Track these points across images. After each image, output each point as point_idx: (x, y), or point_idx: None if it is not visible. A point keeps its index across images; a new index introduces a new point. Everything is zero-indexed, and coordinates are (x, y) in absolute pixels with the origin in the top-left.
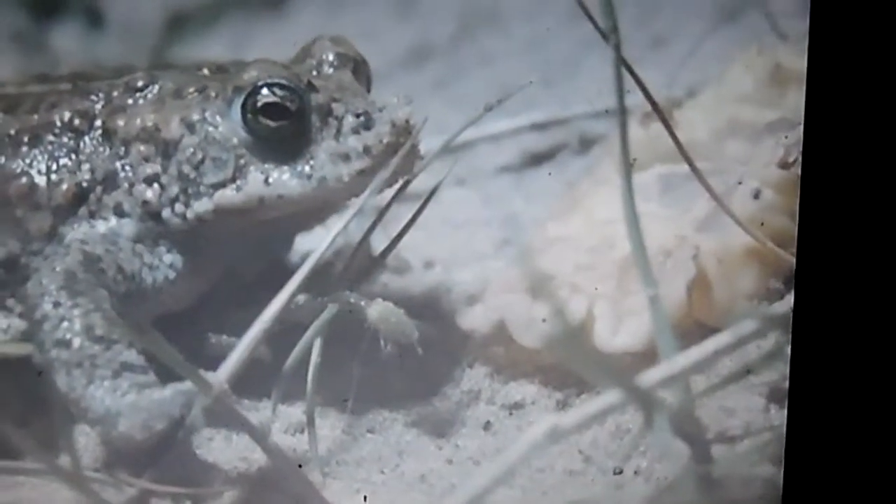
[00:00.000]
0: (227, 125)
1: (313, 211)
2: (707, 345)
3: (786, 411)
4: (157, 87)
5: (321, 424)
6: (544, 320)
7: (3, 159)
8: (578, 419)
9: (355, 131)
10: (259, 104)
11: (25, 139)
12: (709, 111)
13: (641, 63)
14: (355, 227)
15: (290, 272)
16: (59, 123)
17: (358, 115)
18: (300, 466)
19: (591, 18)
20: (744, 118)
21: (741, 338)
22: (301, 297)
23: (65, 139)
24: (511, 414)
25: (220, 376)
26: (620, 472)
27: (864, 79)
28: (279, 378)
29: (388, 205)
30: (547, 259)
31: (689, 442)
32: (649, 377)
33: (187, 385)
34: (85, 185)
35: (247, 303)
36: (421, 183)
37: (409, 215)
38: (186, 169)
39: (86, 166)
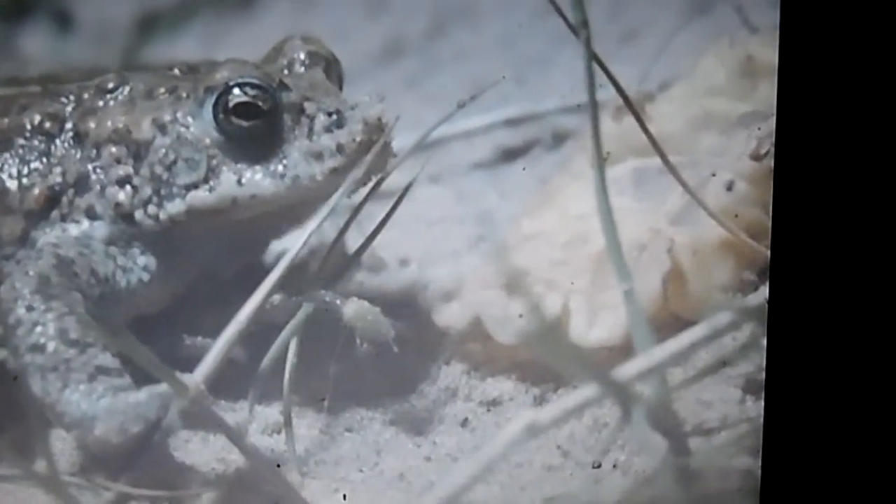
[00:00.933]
0: (199, 125)
1: (287, 211)
2: (683, 337)
3: (762, 402)
4: (127, 88)
5: (298, 424)
6: (520, 316)
7: None
8: (555, 414)
9: (328, 130)
10: (231, 104)
11: None
12: (681, 104)
13: (613, 57)
14: (329, 225)
15: (264, 273)
16: (29, 126)
17: (330, 114)
18: (278, 466)
19: (561, 13)
20: (716, 111)
21: (717, 330)
22: (276, 297)
23: (35, 142)
24: (489, 410)
25: (195, 378)
26: (599, 466)
27: (836, 70)
28: (255, 379)
29: (362, 203)
30: (522, 255)
31: (667, 435)
32: (626, 371)
33: (163, 387)
34: (57, 188)
35: (222, 304)
36: (394, 181)
37: (383, 213)
38: (158, 170)
39: (57, 169)
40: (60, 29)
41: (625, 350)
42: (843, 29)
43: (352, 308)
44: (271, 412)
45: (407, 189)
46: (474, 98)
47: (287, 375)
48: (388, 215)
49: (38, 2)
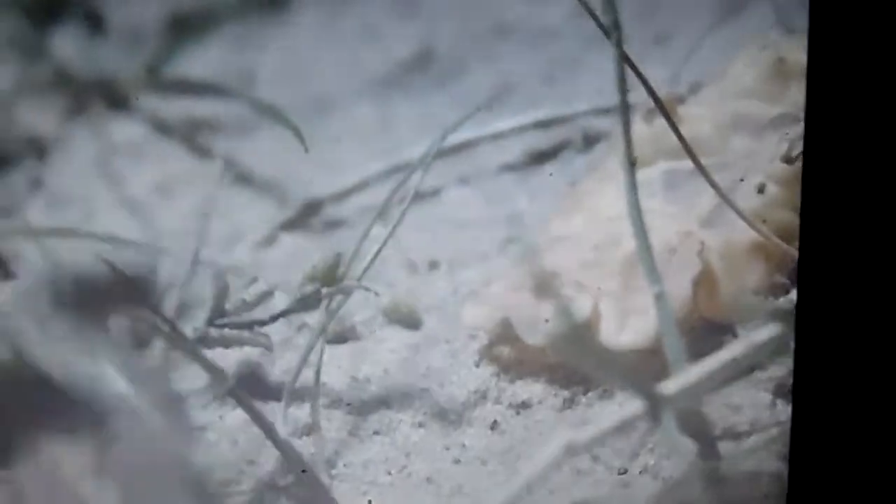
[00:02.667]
0: None
1: None
2: (722, 354)
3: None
4: None
5: (327, 427)
6: (546, 321)
7: None
8: (594, 434)
9: None
10: None
11: None
12: (712, 107)
13: (644, 59)
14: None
15: None
16: None
17: None
18: (303, 472)
19: (593, 15)
20: (747, 113)
21: (757, 346)
22: (308, 287)
23: None
24: (518, 413)
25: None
26: (625, 472)
27: (865, 72)
28: (287, 380)
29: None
30: (551, 257)
31: (696, 439)
32: (666, 388)
33: None
34: None
35: None
36: (425, 182)
37: (416, 215)
38: None
39: None
40: (91, 32)
41: (654, 353)
42: (873, 31)
43: (386, 299)
44: (300, 414)
45: (412, 197)
46: (496, 101)
47: (317, 377)
48: (400, 218)
49: (69, 4)
